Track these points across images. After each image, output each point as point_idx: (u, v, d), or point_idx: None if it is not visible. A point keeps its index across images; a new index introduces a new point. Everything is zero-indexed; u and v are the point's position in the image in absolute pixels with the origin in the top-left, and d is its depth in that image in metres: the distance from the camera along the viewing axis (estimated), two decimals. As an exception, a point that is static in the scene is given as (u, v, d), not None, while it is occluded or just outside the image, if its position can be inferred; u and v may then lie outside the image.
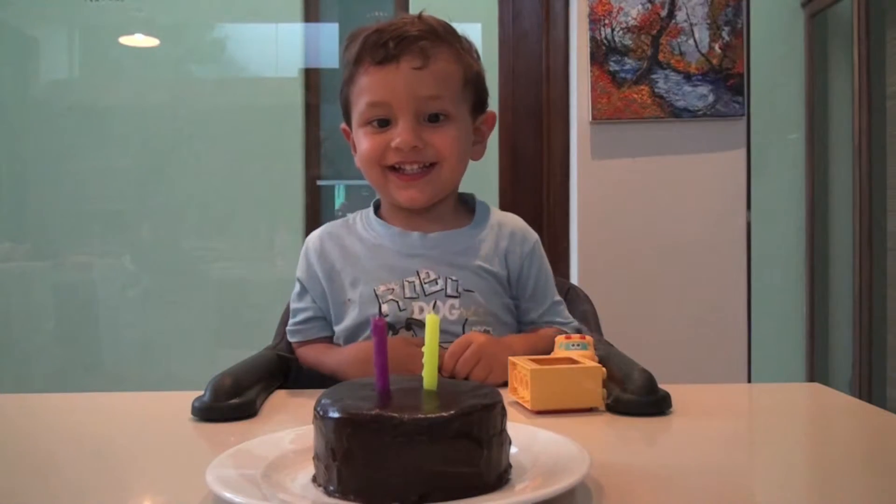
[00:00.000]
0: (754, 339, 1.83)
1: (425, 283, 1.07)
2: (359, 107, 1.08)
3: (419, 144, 1.05)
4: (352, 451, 0.53)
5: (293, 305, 1.15)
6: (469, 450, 0.53)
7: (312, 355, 1.10)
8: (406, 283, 1.06)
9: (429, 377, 0.59)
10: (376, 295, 1.06)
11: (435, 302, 1.05)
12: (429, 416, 0.53)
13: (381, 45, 1.04)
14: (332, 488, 0.54)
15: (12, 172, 3.47)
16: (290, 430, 0.66)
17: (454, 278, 1.07)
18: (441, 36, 1.07)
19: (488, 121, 1.16)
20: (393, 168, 1.07)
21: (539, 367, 0.82)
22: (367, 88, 1.06)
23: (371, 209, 1.17)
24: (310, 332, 1.12)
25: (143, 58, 3.42)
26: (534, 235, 1.16)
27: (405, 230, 1.11)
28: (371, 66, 1.06)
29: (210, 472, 0.56)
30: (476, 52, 1.14)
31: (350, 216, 1.18)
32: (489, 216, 1.15)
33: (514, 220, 1.17)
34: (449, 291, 1.06)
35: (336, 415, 0.54)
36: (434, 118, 1.06)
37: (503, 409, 0.57)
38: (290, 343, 1.15)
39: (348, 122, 1.14)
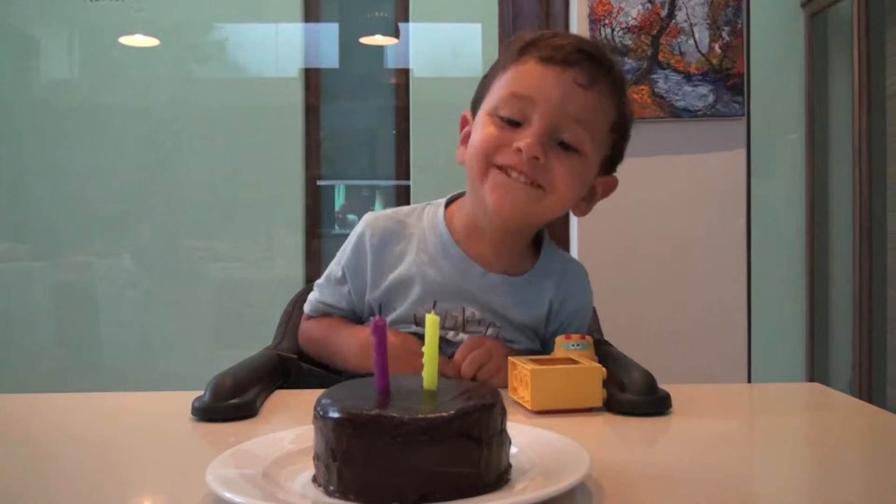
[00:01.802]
0: (754, 339, 1.83)
1: (468, 322, 1.02)
2: (497, 93, 0.97)
3: (542, 158, 0.93)
4: (352, 451, 0.53)
5: (327, 287, 1.09)
6: (469, 450, 0.53)
7: (320, 329, 1.08)
8: (448, 316, 1.02)
9: (429, 377, 0.59)
10: (415, 317, 1.02)
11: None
12: (429, 416, 0.53)
13: (555, 47, 0.95)
14: (332, 488, 0.54)
15: (12, 172, 3.47)
16: (290, 430, 0.66)
17: (497, 325, 1.03)
18: (611, 71, 0.98)
19: (608, 185, 1.04)
20: (499, 167, 0.96)
21: (539, 367, 0.82)
22: (517, 78, 0.96)
23: (441, 211, 1.06)
24: (332, 315, 1.10)
25: (143, 58, 3.42)
26: (588, 294, 1.10)
27: (469, 259, 1.02)
28: (534, 62, 0.95)
29: (210, 472, 0.56)
30: (631, 107, 1.04)
31: (417, 209, 1.08)
32: (555, 264, 1.07)
33: (577, 274, 1.09)
34: (488, 335, 1.02)
35: (336, 415, 0.54)
36: (564, 146, 0.95)
37: (503, 409, 0.57)
38: (290, 343, 1.13)
39: (474, 110, 1.02)
